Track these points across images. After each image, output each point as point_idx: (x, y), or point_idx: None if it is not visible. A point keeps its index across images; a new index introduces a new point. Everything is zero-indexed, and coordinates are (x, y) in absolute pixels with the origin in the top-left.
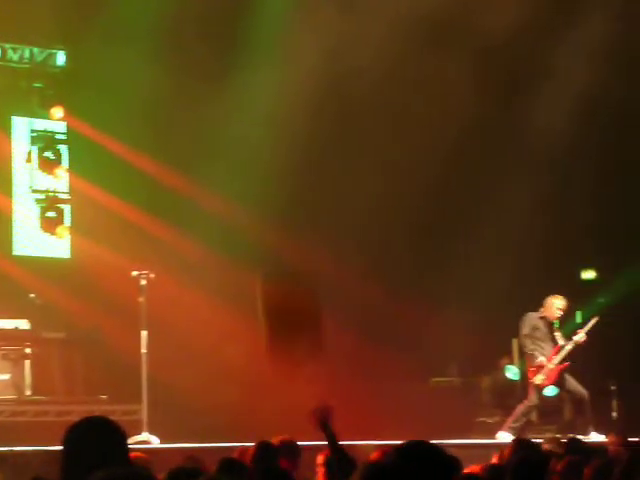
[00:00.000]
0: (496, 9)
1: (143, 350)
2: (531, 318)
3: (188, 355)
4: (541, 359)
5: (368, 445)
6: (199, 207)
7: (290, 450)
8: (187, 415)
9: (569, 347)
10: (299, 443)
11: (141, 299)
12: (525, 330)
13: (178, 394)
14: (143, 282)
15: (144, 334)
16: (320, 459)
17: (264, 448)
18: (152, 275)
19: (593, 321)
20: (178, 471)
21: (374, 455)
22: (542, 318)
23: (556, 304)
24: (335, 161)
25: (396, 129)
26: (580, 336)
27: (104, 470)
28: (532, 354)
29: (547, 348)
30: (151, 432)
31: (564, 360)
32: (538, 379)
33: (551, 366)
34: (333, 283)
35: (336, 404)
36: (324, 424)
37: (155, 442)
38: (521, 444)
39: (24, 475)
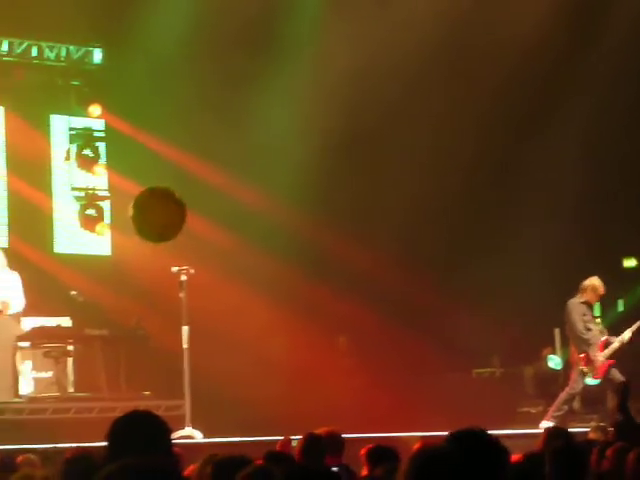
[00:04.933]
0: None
1: (185, 345)
2: (575, 304)
3: (230, 349)
4: (592, 349)
5: (412, 436)
6: (237, 202)
7: (335, 442)
8: (230, 409)
9: (616, 345)
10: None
11: (181, 294)
12: (575, 317)
13: (220, 388)
14: (183, 277)
15: (185, 329)
16: (364, 452)
17: (312, 441)
18: (192, 270)
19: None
20: (226, 460)
21: (417, 446)
22: (584, 303)
23: (595, 286)
24: (370, 156)
25: (430, 124)
26: (626, 335)
27: (126, 459)
28: (587, 339)
29: (595, 334)
30: (194, 427)
31: (611, 357)
32: (588, 371)
33: (601, 358)
34: (373, 276)
35: (379, 396)
36: None
37: (198, 437)
38: (554, 433)
39: None
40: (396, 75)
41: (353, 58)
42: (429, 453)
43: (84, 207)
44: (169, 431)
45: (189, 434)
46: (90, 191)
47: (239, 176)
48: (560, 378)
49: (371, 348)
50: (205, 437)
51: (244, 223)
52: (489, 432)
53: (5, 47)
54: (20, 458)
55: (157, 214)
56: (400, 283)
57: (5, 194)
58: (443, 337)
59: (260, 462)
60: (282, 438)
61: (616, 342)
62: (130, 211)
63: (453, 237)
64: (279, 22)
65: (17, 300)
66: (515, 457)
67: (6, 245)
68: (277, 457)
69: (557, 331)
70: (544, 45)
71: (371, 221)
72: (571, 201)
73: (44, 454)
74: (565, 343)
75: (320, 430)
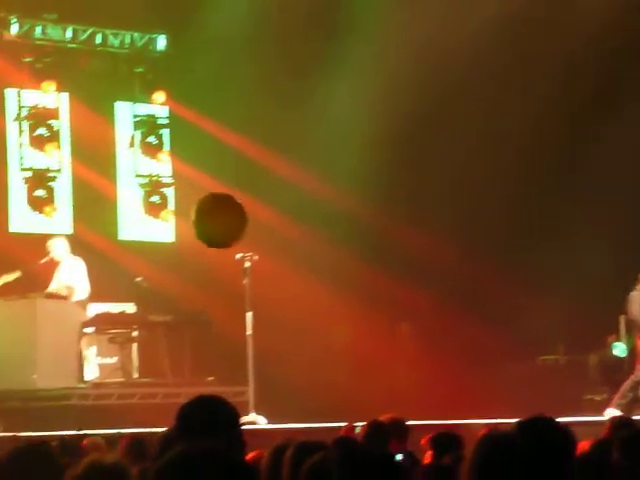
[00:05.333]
0: None
1: (248, 332)
2: (635, 296)
3: (293, 336)
4: None
5: (477, 424)
6: (300, 189)
7: (399, 429)
8: (294, 395)
9: None
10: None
11: (245, 281)
12: (636, 307)
13: (284, 375)
14: (247, 264)
15: (249, 316)
16: (427, 439)
17: (376, 427)
18: (256, 257)
19: None
20: (305, 445)
21: (483, 433)
22: None
23: None
24: (431, 141)
25: (491, 106)
26: None
27: (189, 444)
28: None
29: None
30: (258, 413)
31: None
32: None
33: None
34: (435, 262)
35: (442, 383)
36: None
37: (262, 423)
38: (619, 422)
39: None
40: (458, 57)
41: (415, 41)
42: (496, 440)
43: (148, 194)
44: (238, 416)
45: (253, 420)
46: (154, 178)
47: (302, 163)
48: (625, 365)
49: (434, 334)
50: (269, 423)
51: (307, 210)
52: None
53: (70, 34)
54: (86, 441)
55: (218, 222)
56: (463, 270)
57: (70, 181)
58: (507, 324)
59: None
60: (346, 424)
61: None
62: (191, 215)
63: (516, 222)
64: (342, 6)
65: (82, 287)
66: (582, 445)
67: (71, 232)
68: (342, 443)
69: (622, 318)
70: (608, 29)
71: (433, 206)
72: (635, 189)
73: (110, 439)
74: (630, 330)
75: (384, 417)
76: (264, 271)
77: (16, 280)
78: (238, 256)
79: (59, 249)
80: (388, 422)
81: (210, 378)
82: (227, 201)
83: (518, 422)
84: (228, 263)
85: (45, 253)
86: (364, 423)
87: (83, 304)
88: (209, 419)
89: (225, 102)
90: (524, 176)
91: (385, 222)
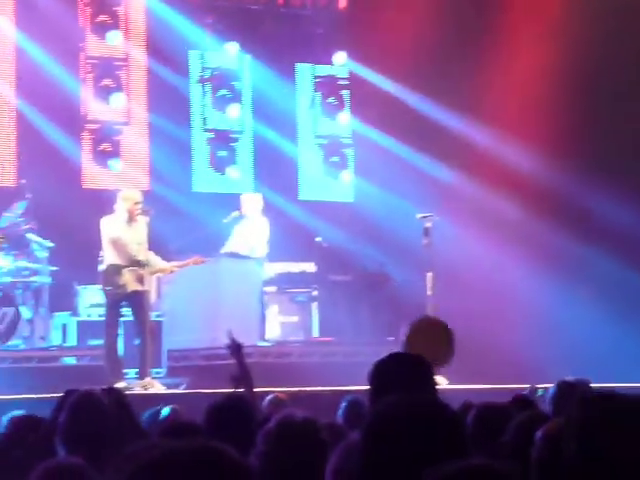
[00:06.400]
0: None
1: (429, 292)
2: None
3: (474, 296)
4: None
5: None
6: (479, 148)
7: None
8: (475, 356)
9: None
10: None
11: (426, 241)
12: None
13: (465, 335)
14: (427, 224)
15: (429, 276)
16: None
17: (563, 388)
18: (437, 217)
19: None
20: (486, 407)
21: None
22: None
23: None
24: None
25: None
26: None
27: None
28: None
29: None
30: (438, 374)
31: None
32: None
33: None
34: (617, 223)
35: (629, 345)
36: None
37: (443, 383)
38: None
39: (318, 415)
40: None
41: None
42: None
43: (328, 154)
44: (432, 373)
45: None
46: (334, 138)
47: (481, 123)
48: None
49: (616, 295)
50: (450, 384)
51: (487, 169)
52: None
53: None
54: (270, 397)
55: (427, 347)
56: None
57: (251, 142)
58: None
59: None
60: (528, 386)
61: None
62: (406, 331)
63: None
64: None
65: (262, 246)
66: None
67: (252, 191)
68: (523, 403)
69: None
70: None
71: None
72: None
73: (292, 396)
74: None
75: (569, 378)
76: (444, 231)
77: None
78: (419, 216)
79: (251, 205)
80: (575, 384)
81: (390, 338)
82: (442, 330)
83: None
84: (407, 223)
85: (226, 213)
86: (547, 385)
87: (263, 263)
88: (404, 375)
89: (405, 62)
90: None
91: (568, 181)
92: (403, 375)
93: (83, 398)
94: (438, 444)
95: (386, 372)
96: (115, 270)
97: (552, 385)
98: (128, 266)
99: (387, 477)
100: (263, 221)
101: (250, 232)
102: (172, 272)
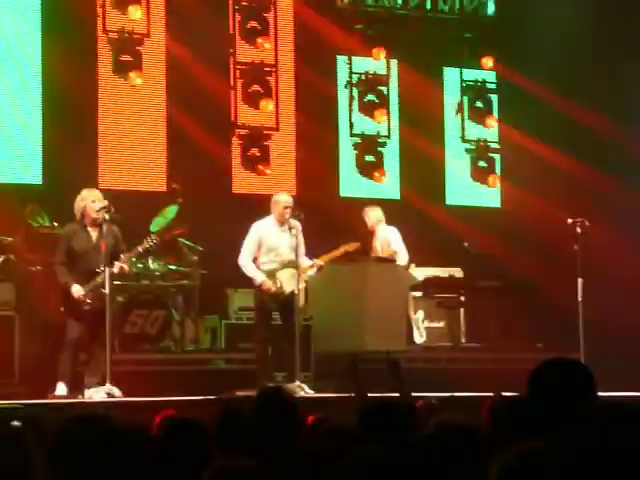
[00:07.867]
0: None
1: (579, 298)
2: None
3: (628, 302)
4: None
5: None
6: (628, 152)
7: None
8: (628, 363)
9: None
10: None
11: (576, 247)
12: None
13: (617, 343)
14: (578, 230)
15: (580, 282)
16: None
17: None
18: (587, 223)
19: None
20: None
21: None
22: None
23: None
24: None
25: None
26: None
27: None
28: None
29: None
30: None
31: None
32: None
33: None
34: None
35: None
36: None
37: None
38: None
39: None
40: None
41: None
42: None
43: (475, 159)
44: (592, 379)
45: None
46: (482, 143)
47: (627, 127)
48: None
49: None
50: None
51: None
52: None
53: (400, 1)
54: (420, 402)
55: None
56: None
57: (398, 147)
58: None
59: None
60: None
61: None
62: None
63: None
64: None
65: (401, 253)
66: None
67: (399, 197)
68: None
69: None
70: None
71: None
72: None
73: (443, 402)
74: None
75: None
76: (595, 237)
77: (355, 250)
78: (569, 221)
79: (371, 218)
80: None
81: (539, 345)
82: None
83: None
84: (557, 229)
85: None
86: None
87: (407, 268)
88: (566, 382)
89: (555, 66)
90: None
91: None
92: (562, 382)
93: (272, 396)
94: None
95: (544, 379)
96: (266, 274)
97: None
98: (278, 269)
99: None
100: (390, 229)
101: (382, 240)
102: (321, 268)
